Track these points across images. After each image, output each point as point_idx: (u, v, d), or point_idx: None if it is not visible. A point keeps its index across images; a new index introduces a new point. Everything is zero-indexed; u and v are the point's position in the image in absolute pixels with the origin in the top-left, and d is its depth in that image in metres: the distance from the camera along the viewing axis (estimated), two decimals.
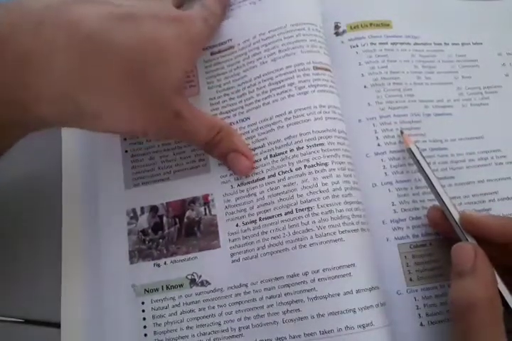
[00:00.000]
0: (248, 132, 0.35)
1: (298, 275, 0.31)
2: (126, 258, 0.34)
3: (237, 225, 0.33)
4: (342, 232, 0.31)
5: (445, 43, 0.39)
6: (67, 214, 0.36)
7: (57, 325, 0.33)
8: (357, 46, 0.37)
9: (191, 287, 0.33)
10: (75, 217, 0.36)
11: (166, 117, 0.32)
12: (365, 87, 0.36)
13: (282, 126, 0.34)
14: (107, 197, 0.36)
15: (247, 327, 0.31)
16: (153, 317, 0.33)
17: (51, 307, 0.34)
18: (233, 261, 0.33)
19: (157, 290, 0.33)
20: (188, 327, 0.32)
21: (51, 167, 0.38)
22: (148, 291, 0.33)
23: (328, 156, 0.32)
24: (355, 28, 0.38)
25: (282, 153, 0.33)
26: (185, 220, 0.34)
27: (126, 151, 0.37)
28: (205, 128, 0.34)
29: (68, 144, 0.38)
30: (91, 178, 0.37)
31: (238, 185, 0.34)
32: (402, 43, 0.38)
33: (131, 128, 0.33)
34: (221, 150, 0.34)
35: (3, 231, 0.37)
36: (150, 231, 0.35)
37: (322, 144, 0.33)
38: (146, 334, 0.32)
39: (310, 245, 0.31)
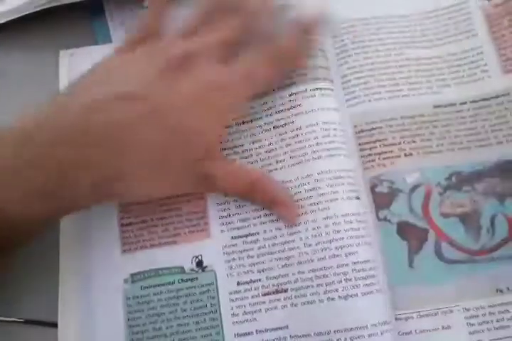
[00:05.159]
0: None
1: None
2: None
3: None
4: None
5: None
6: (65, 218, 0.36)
7: (57, 325, 0.33)
8: None
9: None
10: (72, 219, 0.35)
11: (196, 181, 0.33)
12: None
13: None
14: None
15: None
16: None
17: (51, 307, 0.34)
18: None
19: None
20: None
21: None
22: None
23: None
24: None
25: None
26: None
27: None
28: (233, 183, 0.33)
29: None
30: None
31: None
32: None
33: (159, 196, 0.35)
34: (260, 200, 0.34)
35: None
36: None
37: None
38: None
39: None
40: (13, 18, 0.42)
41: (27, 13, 0.41)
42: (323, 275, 0.31)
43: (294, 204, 0.33)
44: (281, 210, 0.33)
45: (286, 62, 0.35)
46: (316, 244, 0.31)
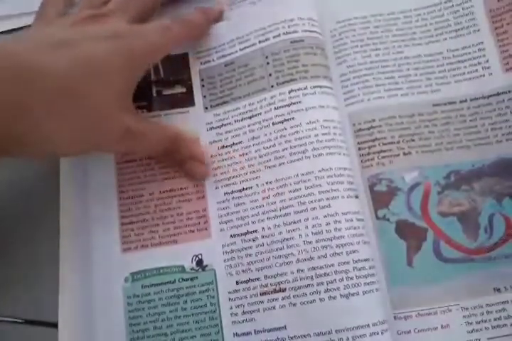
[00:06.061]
0: None
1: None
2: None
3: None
4: None
5: None
6: (64, 215, 0.36)
7: (57, 325, 0.33)
8: None
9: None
10: (72, 218, 0.36)
11: (115, 135, 0.32)
12: None
13: None
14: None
15: None
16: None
17: (50, 307, 0.34)
18: None
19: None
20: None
21: (50, 168, 0.38)
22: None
23: None
24: None
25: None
26: None
27: None
28: (158, 141, 0.34)
29: None
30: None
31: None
32: None
33: (81, 150, 0.32)
34: (178, 159, 0.35)
35: (2, 232, 0.37)
36: None
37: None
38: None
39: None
40: None
41: None
42: (324, 274, 0.31)
43: (209, 161, 0.35)
44: (197, 166, 0.35)
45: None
46: (317, 242, 0.31)
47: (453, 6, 0.38)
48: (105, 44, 0.31)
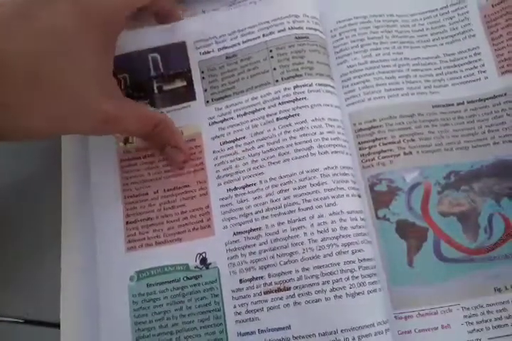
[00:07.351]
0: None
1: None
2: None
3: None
4: None
5: None
6: (67, 215, 0.36)
7: (57, 325, 0.32)
8: None
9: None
10: (75, 218, 0.35)
11: (91, 122, 0.29)
12: None
13: None
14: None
15: None
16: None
17: (51, 307, 0.33)
18: None
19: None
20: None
21: (50, 166, 0.37)
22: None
23: None
24: None
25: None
26: None
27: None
28: (139, 124, 0.32)
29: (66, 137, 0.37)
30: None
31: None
32: None
33: (55, 135, 0.32)
34: (158, 142, 0.34)
35: (3, 232, 0.36)
36: None
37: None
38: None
39: None
40: None
41: None
42: (330, 273, 0.30)
43: (187, 149, 0.35)
44: (176, 153, 0.34)
45: None
46: (322, 240, 0.31)
47: (448, 12, 0.38)
48: (67, 6, 0.27)
